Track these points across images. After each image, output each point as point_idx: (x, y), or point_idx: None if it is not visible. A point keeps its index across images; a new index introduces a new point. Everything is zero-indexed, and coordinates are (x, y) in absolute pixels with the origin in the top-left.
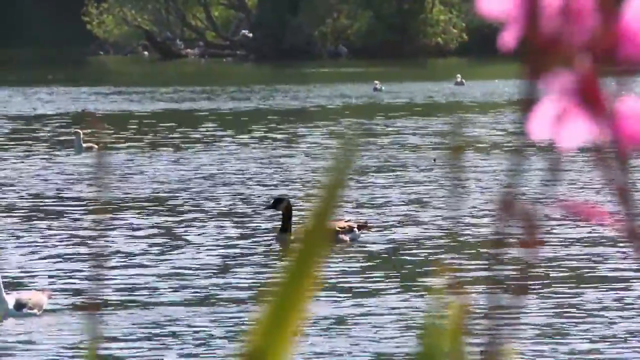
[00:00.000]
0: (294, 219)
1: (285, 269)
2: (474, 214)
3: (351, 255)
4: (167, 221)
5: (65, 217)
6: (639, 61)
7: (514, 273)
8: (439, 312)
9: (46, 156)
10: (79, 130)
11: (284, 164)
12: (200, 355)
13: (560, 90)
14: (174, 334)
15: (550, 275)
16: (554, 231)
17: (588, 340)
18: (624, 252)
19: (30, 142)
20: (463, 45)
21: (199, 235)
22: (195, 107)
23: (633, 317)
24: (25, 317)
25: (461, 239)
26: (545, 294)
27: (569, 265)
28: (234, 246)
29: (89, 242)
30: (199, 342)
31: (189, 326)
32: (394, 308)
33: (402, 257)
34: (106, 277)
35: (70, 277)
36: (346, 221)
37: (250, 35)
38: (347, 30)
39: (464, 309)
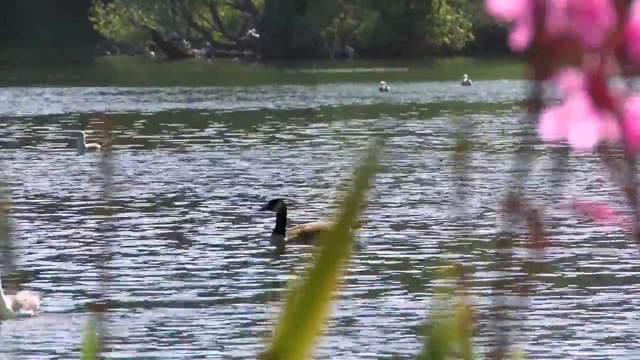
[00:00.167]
0: (305, 221)
1: (309, 269)
2: (481, 214)
3: (356, 255)
4: (172, 221)
5: (66, 217)
6: None
7: (521, 273)
8: (445, 313)
9: (49, 157)
10: (81, 131)
11: (291, 164)
12: (205, 356)
13: (570, 89)
14: (178, 334)
15: (559, 275)
16: (562, 231)
17: (596, 341)
18: (632, 253)
19: (33, 142)
20: (470, 45)
21: (204, 235)
22: (201, 107)
23: None
24: (22, 318)
25: (467, 239)
26: (553, 295)
27: (578, 265)
28: (240, 246)
29: (92, 242)
30: (203, 342)
31: (194, 326)
32: (399, 308)
33: (408, 257)
34: (112, 277)
35: (71, 278)
36: None
37: (257, 35)
38: (354, 30)
39: (470, 310)
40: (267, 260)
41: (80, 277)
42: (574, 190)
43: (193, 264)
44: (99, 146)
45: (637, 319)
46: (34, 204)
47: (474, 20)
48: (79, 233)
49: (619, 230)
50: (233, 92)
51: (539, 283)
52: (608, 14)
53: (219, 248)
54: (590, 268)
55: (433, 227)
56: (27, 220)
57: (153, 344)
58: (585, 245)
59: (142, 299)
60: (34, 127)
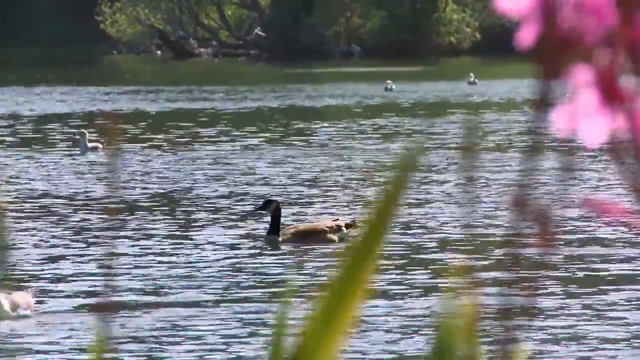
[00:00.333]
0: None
1: (341, 267)
2: (488, 214)
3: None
4: (177, 220)
5: (67, 216)
6: None
7: (529, 273)
8: (452, 313)
9: (51, 156)
10: (84, 131)
11: (296, 164)
12: (208, 356)
13: (579, 86)
14: (182, 334)
15: (568, 275)
16: (571, 230)
17: (606, 341)
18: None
19: (37, 141)
20: (476, 44)
21: (209, 234)
22: (207, 107)
23: None
24: (19, 318)
25: (475, 238)
26: (562, 294)
27: (587, 265)
28: (246, 245)
29: (92, 241)
30: (207, 341)
31: (198, 325)
32: (406, 309)
33: (414, 257)
34: (117, 276)
35: (73, 277)
36: (334, 220)
37: (264, 34)
38: (360, 29)
39: (477, 310)
40: (273, 259)
41: (82, 276)
42: (583, 188)
43: (198, 262)
44: (101, 146)
45: None
46: (35, 203)
47: (480, 19)
48: (80, 232)
49: (629, 229)
50: (239, 92)
51: (547, 282)
52: (617, 11)
53: (224, 247)
54: (600, 268)
55: (439, 226)
56: (27, 219)
57: (157, 343)
58: (594, 244)
59: (145, 298)
60: (38, 127)
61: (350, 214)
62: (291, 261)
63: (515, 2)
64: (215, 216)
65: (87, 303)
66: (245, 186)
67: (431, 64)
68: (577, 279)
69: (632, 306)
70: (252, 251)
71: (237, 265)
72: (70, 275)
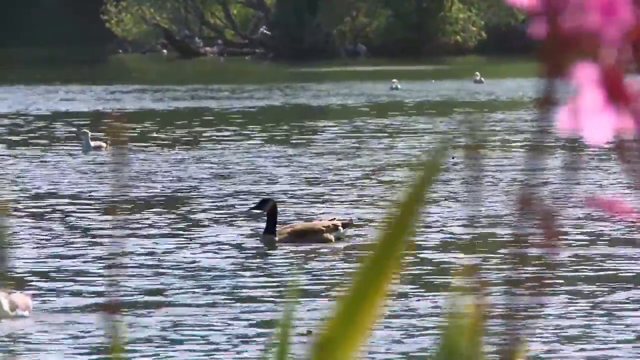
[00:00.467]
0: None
1: (366, 263)
2: (493, 213)
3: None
4: (182, 219)
5: (68, 216)
6: None
7: (534, 272)
8: (458, 312)
9: (55, 155)
10: (86, 130)
11: (302, 163)
12: (214, 356)
13: (585, 84)
14: (188, 334)
15: (576, 275)
16: (578, 230)
17: (613, 342)
18: None
19: (41, 140)
20: (482, 43)
21: (215, 233)
22: (212, 106)
23: None
24: (17, 318)
25: (480, 238)
26: (569, 294)
27: (594, 264)
28: (252, 245)
29: (95, 241)
30: (213, 341)
31: (204, 326)
32: (413, 309)
33: (421, 257)
34: (123, 277)
35: (75, 277)
36: (330, 219)
37: (269, 33)
38: (365, 28)
39: (483, 309)
40: (279, 258)
41: (85, 275)
42: (588, 187)
43: (203, 261)
44: (105, 144)
45: None
46: (37, 202)
47: (486, 18)
48: (81, 231)
49: (635, 227)
50: (244, 91)
51: (553, 282)
52: (624, 8)
53: (230, 246)
54: (607, 267)
55: (445, 226)
56: (27, 218)
57: (162, 343)
58: (602, 244)
59: (150, 298)
60: (43, 125)
61: (349, 213)
62: (296, 261)
63: None
64: (221, 215)
65: (90, 303)
66: (250, 185)
67: (437, 63)
68: (584, 278)
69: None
70: (259, 251)
71: (243, 265)
72: (73, 275)
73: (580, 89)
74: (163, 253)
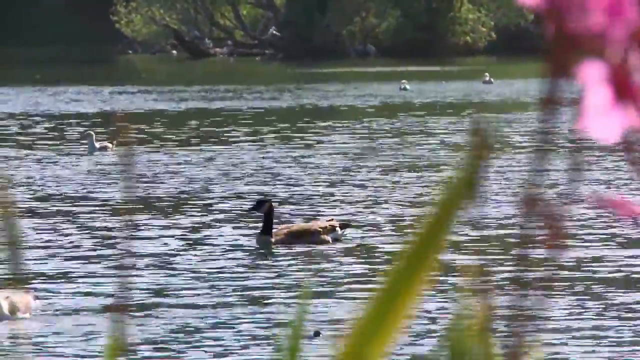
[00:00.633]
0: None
1: (400, 263)
2: (501, 213)
3: (378, 254)
4: (191, 220)
5: (70, 216)
6: None
7: (540, 273)
8: (466, 313)
9: (60, 156)
10: (91, 132)
11: (311, 163)
12: (222, 357)
13: (592, 83)
14: (196, 336)
15: (583, 275)
16: (586, 231)
17: (626, 343)
18: None
19: (48, 141)
20: (491, 43)
21: (223, 234)
22: (221, 107)
23: None
24: (17, 320)
25: (487, 238)
26: (577, 295)
27: (602, 265)
28: (258, 246)
29: (100, 242)
30: (221, 345)
31: (212, 328)
32: (421, 310)
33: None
34: (132, 278)
35: (80, 278)
36: (328, 220)
37: (279, 34)
38: (375, 29)
39: (490, 310)
40: (290, 260)
41: (90, 277)
42: (596, 186)
43: (213, 263)
44: (110, 145)
45: None
46: (40, 203)
47: (495, 19)
48: (86, 232)
49: None
50: (254, 91)
51: (564, 283)
52: (632, 7)
53: (238, 248)
54: (614, 269)
55: (454, 226)
56: (31, 219)
57: (171, 345)
58: (613, 244)
59: (157, 299)
60: (50, 126)
61: (356, 214)
62: (306, 262)
63: None
64: (229, 216)
65: (96, 304)
66: (259, 186)
67: (446, 64)
68: (595, 279)
69: None
70: (266, 252)
71: (252, 265)
72: (79, 276)
73: (587, 88)
74: (171, 254)
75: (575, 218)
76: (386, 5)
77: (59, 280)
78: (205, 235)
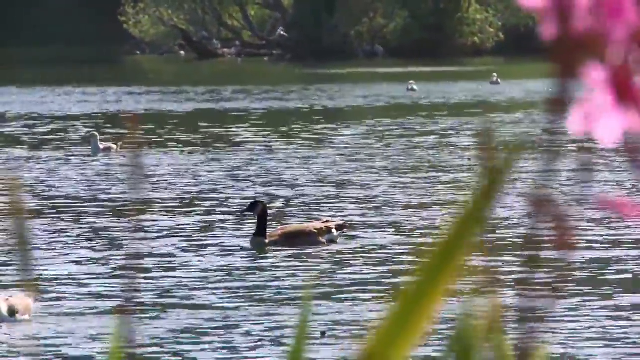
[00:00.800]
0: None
1: (422, 269)
2: (508, 214)
3: (381, 255)
4: (197, 221)
5: (72, 217)
6: None
7: (549, 274)
8: (473, 314)
9: (65, 157)
10: (95, 133)
11: (319, 164)
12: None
13: (595, 84)
14: (203, 337)
15: (590, 276)
16: (593, 232)
17: (630, 343)
18: None
19: (53, 142)
20: (499, 44)
21: (230, 235)
22: (229, 107)
23: None
24: (17, 323)
25: (495, 240)
26: (586, 296)
27: (609, 266)
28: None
29: (104, 243)
30: (228, 346)
31: (212, 328)
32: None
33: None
34: (139, 279)
35: (84, 279)
36: (324, 222)
37: (286, 34)
38: (383, 29)
39: (498, 310)
40: (298, 262)
41: (95, 278)
42: (600, 187)
43: (219, 264)
44: (115, 146)
45: None
46: (45, 204)
47: (503, 19)
48: (91, 233)
49: None
50: (262, 92)
51: (573, 284)
52: (633, 9)
53: (243, 248)
54: (621, 270)
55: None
56: (35, 220)
57: (177, 346)
58: (620, 245)
59: (167, 300)
60: (57, 127)
61: (362, 215)
62: (312, 265)
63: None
64: (236, 217)
65: (100, 305)
66: (266, 187)
67: (454, 64)
68: (603, 280)
69: None
70: (273, 253)
71: (258, 267)
72: (84, 278)
73: (590, 89)
74: (177, 255)
75: (584, 219)
76: (394, 5)
77: (61, 282)
78: (210, 236)
